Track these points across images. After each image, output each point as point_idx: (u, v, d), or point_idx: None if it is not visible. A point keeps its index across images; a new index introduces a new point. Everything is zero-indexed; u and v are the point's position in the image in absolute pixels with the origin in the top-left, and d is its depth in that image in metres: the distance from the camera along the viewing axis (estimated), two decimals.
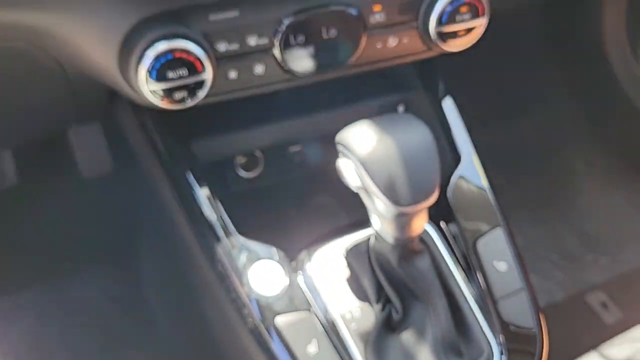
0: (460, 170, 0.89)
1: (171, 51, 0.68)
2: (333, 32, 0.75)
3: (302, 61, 0.76)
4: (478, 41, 0.81)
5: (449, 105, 0.94)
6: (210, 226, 0.83)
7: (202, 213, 0.84)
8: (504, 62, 1.65)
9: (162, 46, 0.67)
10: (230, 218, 0.83)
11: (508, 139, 1.69)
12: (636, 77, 1.64)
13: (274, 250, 0.80)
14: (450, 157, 0.91)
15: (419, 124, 0.70)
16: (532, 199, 1.65)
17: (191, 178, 0.85)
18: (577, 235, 1.61)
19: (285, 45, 0.74)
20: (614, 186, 1.70)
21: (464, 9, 0.76)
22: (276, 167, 0.99)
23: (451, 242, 0.85)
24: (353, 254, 0.81)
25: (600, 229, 1.62)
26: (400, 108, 0.96)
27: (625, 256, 1.56)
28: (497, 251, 0.85)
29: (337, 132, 0.73)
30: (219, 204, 0.84)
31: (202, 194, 0.84)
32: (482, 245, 0.85)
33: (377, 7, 0.75)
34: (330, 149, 0.76)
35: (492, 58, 1.53)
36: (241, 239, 0.80)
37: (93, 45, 0.71)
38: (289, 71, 0.77)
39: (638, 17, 1.58)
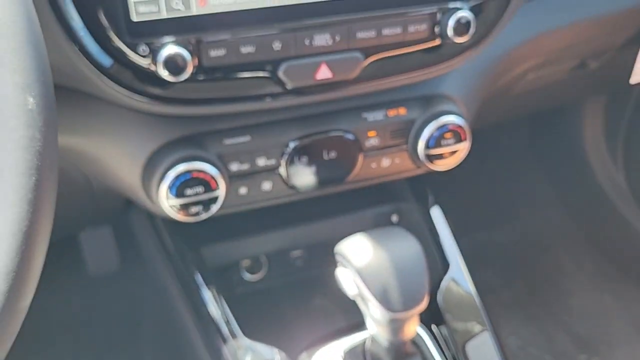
0: (449, 275, 0.97)
1: (190, 171, 0.77)
2: (333, 154, 0.85)
3: (305, 179, 0.85)
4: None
5: (437, 215, 1.03)
6: (216, 327, 0.89)
7: (208, 313, 0.90)
8: (493, 168, 1.76)
9: (182, 167, 0.76)
10: (235, 319, 0.90)
11: (499, 241, 1.77)
12: (617, 183, 1.74)
13: (276, 351, 0.86)
14: (440, 263, 0.99)
15: (409, 238, 0.78)
16: (524, 299, 1.71)
17: (199, 279, 0.92)
18: (569, 335, 1.65)
19: (290, 165, 0.84)
20: (604, 287, 1.76)
21: (448, 135, 0.86)
22: (279, 271, 1.06)
23: (442, 345, 0.91)
24: (350, 355, 0.87)
25: (591, 329, 1.66)
26: (394, 217, 1.04)
27: (617, 357, 1.60)
28: (485, 354, 0.91)
29: (335, 239, 0.81)
30: (225, 305, 0.90)
31: (209, 295, 0.90)
32: (471, 348, 0.91)
33: (371, 133, 0.85)
34: (329, 254, 0.83)
35: (481, 165, 1.63)
36: (247, 341, 0.86)
37: (120, 165, 0.81)
38: (293, 187, 0.86)
39: (614, 129, 1.70)
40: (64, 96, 0.62)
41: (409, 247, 0.77)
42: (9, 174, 0.38)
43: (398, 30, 0.75)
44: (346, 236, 0.84)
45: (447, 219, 1.03)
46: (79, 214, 1.04)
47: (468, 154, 0.90)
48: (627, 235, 1.72)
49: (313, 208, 1.01)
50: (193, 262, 0.93)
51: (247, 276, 1.05)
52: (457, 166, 0.91)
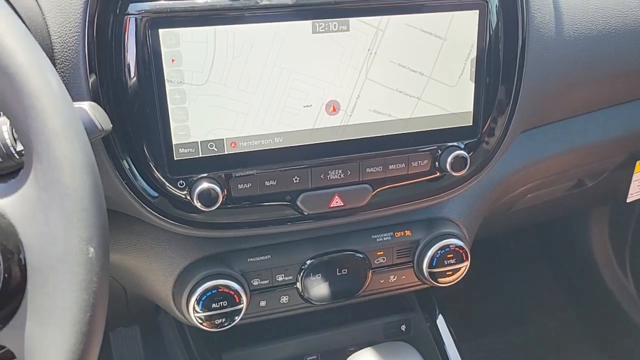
0: None
1: (216, 287, 0.86)
2: (345, 271, 0.94)
3: (319, 293, 0.94)
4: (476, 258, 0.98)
5: (442, 325, 1.10)
6: None
7: None
8: (502, 273, 1.82)
9: (209, 284, 0.86)
10: None
11: (509, 344, 1.80)
12: (627, 290, 1.79)
13: None
14: None
15: (413, 353, 0.85)
16: None
17: None
18: None
19: (306, 280, 0.93)
20: None
21: (450, 255, 0.95)
22: None
23: None
24: None
25: None
26: (402, 327, 1.12)
27: None
28: None
29: (348, 346, 0.88)
30: None
31: None
32: None
33: (379, 253, 0.95)
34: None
35: (490, 270, 1.70)
36: None
37: (154, 278, 0.90)
38: (308, 300, 0.94)
39: (621, 237, 1.77)
40: (110, 218, 0.72)
41: None
42: (69, 311, 0.47)
43: (402, 165, 0.86)
44: (358, 344, 0.91)
45: (457, 324, 1.09)
46: (112, 316, 1.12)
47: (477, 259, 0.98)
48: (639, 341, 1.75)
49: (327, 316, 1.08)
50: None
51: None
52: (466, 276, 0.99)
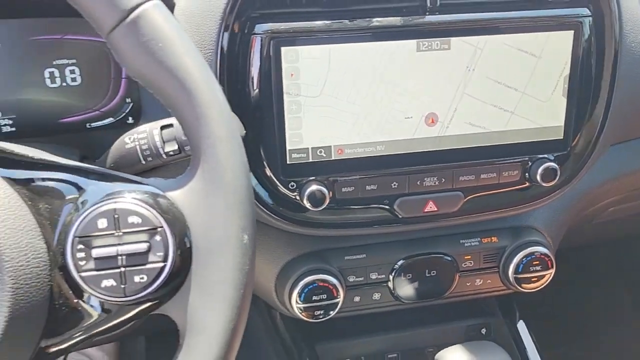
0: None
1: (316, 281, 0.94)
2: (433, 272, 1.00)
3: (408, 292, 1.00)
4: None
5: (523, 329, 1.14)
6: None
7: None
8: (581, 283, 1.83)
9: (310, 278, 0.94)
10: None
11: (582, 356, 1.81)
12: None
13: None
14: None
15: (501, 352, 0.90)
16: None
17: None
18: None
19: (397, 280, 0.99)
20: None
21: (535, 262, 1.00)
22: None
23: None
24: None
25: None
26: (483, 331, 1.16)
27: None
28: None
29: (428, 346, 0.93)
30: None
31: None
32: None
33: (467, 257, 1.00)
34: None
35: (570, 280, 1.71)
36: None
37: (260, 271, 0.99)
38: (397, 298, 1.01)
39: None
40: None
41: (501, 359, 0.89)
42: (227, 287, 0.56)
43: (493, 175, 0.92)
44: (438, 345, 0.96)
45: (537, 331, 1.13)
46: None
47: (556, 272, 1.02)
48: None
49: (410, 317, 1.15)
50: (309, 356, 1.08)
51: None
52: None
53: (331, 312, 0.96)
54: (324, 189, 0.86)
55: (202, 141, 0.54)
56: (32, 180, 0.57)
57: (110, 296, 0.55)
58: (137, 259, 0.55)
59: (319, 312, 0.96)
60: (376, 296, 1.00)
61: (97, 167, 0.61)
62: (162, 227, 0.55)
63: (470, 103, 0.88)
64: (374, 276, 0.99)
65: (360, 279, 0.98)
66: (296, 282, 0.94)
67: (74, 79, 0.83)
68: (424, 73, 0.85)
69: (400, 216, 0.92)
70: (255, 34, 0.80)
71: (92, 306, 0.57)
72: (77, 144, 0.83)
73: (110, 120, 0.85)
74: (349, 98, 0.84)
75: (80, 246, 0.54)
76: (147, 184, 0.58)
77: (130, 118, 0.85)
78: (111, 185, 0.57)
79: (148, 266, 0.55)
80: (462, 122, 0.89)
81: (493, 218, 0.98)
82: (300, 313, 0.96)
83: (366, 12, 0.81)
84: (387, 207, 0.91)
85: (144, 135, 0.70)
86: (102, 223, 0.54)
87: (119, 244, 0.55)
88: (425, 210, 0.92)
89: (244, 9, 0.79)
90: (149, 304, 0.57)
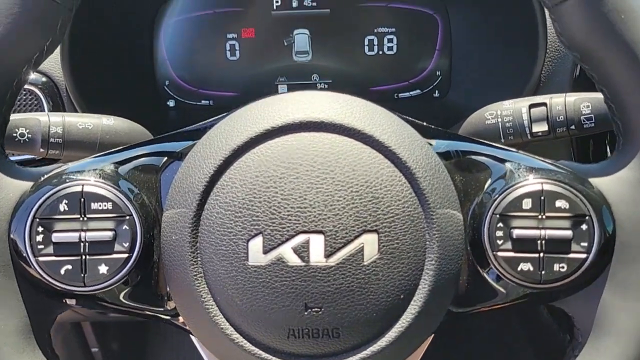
0: None
1: None
2: None
3: None
4: None
5: None
6: None
7: None
8: None
9: None
10: None
11: None
12: None
13: None
14: None
15: None
16: None
17: None
18: None
19: None
20: None
21: None
22: None
23: None
24: None
25: None
26: None
27: None
28: None
29: None
30: None
31: None
32: None
33: None
34: None
35: None
36: None
37: None
38: None
39: None
40: None
41: None
42: None
43: None
44: None
45: None
46: None
47: None
48: None
49: None
50: None
51: None
52: None
53: None
54: None
55: None
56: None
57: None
58: (559, 246, 0.51)
59: None
60: None
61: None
62: (589, 215, 0.51)
63: None
64: None
65: None
66: None
67: (390, 48, 0.82)
68: None
69: None
70: None
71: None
72: None
73: (417, 92, 0.84)
74: None
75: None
76: (564, 168, 0.54)
77: (437, 91, 0.84)
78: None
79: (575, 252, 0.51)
80: None
81: None
82: None
83: None
84: None
85: (509, 112, 0.67)
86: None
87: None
88: None
89: None
90: None
